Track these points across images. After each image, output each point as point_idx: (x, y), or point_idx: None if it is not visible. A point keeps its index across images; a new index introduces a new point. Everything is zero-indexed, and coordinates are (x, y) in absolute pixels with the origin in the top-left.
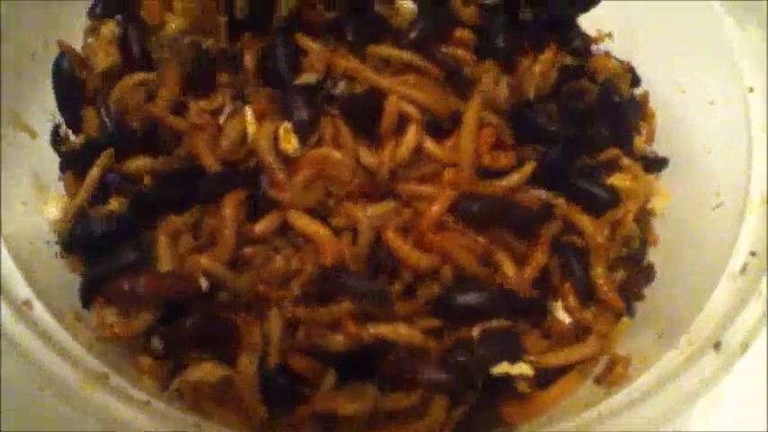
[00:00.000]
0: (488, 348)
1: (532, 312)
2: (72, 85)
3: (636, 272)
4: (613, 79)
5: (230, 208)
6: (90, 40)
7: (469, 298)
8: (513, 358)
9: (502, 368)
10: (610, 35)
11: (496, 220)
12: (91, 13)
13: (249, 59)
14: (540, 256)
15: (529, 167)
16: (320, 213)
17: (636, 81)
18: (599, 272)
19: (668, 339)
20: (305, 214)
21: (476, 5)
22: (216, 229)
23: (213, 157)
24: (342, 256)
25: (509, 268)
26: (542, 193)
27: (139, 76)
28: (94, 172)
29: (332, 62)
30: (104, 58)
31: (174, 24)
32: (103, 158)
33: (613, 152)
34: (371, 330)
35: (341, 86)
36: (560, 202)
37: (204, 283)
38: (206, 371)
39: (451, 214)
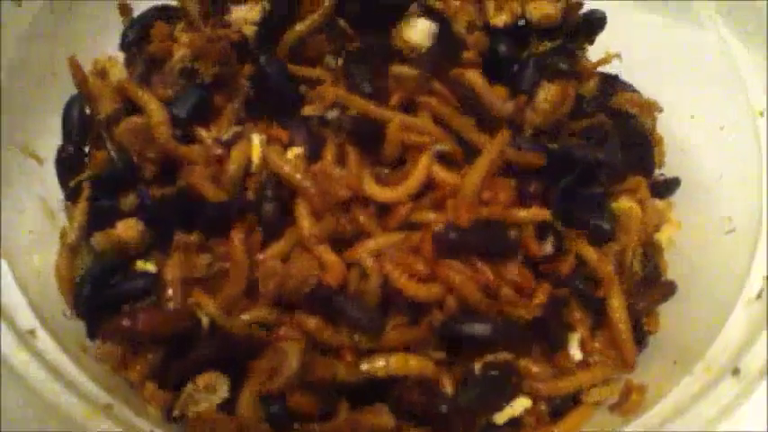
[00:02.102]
0: (472, 395)
1: (544, 342)
2: (79, 130)
3: (655, 288)
4: (639, 113)
5: (240, 250)
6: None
7: (473, 328)
8: (500, 400)
9: (505, 414)
10: (618, 56)
11: (482, 251)
12: (123, 42)
13: (243, 85)
14: (541, 296)
15: (541, 213)
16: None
17: None
18: (620, 316)
19: (684, 366)
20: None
21: (479, 30)
22: (226, 258)
23: (214, 187)
24: (345, 281)
25: (512, 301)
26: (548, 247)
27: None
28: (80, 208)
29: (328, 91)
30: (109, 105)
31: (178, 55)
32: (86, 192)
33: (638, 181)
34: (380, 362)
35: (334, 112)
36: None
37: (206, 320)
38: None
39: (434, 241)
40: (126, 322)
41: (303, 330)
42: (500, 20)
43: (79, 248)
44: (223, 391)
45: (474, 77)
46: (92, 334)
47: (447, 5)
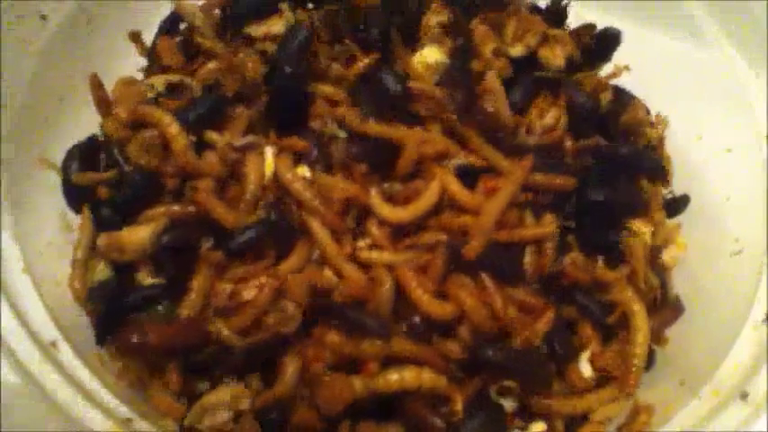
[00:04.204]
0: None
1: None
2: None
3: (665, 308)
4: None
5: (268, 291)
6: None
7: (498, 356)
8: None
9: None
10: (627, 67)
11: (492, 269)
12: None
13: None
14: (542, 325)
15: (544, 230)
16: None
17: None
18: (640, 352)
19: (691, 388)
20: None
21: (505, 56)
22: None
23: (228, 210)
24: (362, 292)
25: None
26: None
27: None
28: (84, 227)
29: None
30: (117, 132)
31: (208, 67)
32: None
33: (658, 216)
34: (394, 376)
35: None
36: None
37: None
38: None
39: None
40: (136, 339)
41: (323, 345)
42: (517, 50)
43: (90, 262)
44: (244, 404)
45: (493, 81)
46: (100, 341)
47: (474, 30)
